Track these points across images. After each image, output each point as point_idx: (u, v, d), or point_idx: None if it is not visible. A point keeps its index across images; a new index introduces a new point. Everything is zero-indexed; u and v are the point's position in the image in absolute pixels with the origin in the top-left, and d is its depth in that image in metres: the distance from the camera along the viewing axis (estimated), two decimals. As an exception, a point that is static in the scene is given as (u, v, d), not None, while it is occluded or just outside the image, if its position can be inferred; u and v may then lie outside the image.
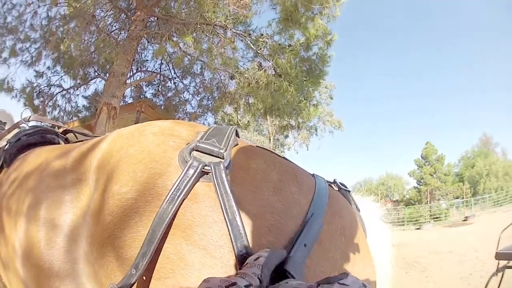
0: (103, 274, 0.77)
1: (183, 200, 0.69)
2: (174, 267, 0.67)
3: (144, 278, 0.70)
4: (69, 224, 0.89)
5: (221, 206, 0.67)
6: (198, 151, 0.75)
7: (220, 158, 0.74)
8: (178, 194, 0.68)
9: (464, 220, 18.49)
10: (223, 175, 0.70)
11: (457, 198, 28.62)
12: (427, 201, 27.15)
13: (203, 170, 0.71)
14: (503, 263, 3.63)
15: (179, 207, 0.68)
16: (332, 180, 1.00)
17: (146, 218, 0.71)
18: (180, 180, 0.70)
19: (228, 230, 0.65)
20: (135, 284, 0.70)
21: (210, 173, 0.71)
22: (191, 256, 0.66)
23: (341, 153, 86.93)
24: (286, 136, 18.10)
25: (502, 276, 3.65)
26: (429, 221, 19.35)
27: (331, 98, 19.13)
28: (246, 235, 0.65)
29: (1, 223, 1.12)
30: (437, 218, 20.46)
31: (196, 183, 0.71)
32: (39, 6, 9.51)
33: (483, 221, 16.55)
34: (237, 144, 0.83)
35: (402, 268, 7.45)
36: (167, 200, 0.68)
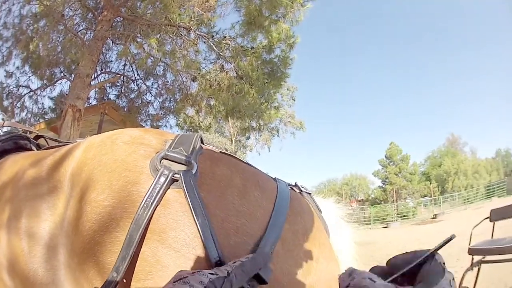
0: (84, 279, 0.80)
1: (157, 206, 0.74)
2: (152, 269, 0.71)
3: (124, 280, 0.73)
4: (48, 232, 0.91)
5: (191, 210, 0.72)
6: (167, 159, 0.81)
7: (188, 166, 0.80)
8: (151, 201, 0.73)
9: (433, 218, 18.73)
10: (192, 182, 0.76)
11: (425, 196, 28.87)
12: (393, 200, 27.37)
13: (173, 178, 0.77)
14: (477, 258, 3.71)
15: (153, 213, 0.73)
16: (293, 183, 1.05)
17: (123, 223, 0.75)
18: (153, 188, 0.75)
19: (199, 232, 0.70)
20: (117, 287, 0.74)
21: (180, 181, 0.76)
22: (167, 258, 0.71)
23: (304, 154, 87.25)
24: (248, 138, 18.09)
25: (478, 271, 3.75)
26: (396, 220, 19.52)
27: (293, 99, 19.39)
28: (216, 237, 0.70)
29: None
30: (404, 216, 20.68)
31: (167, 190, 0.76)
32: (13, 4, 9.34)
33: (453, 218, 16.73)
34: (202, 152, 0.88)
35: (370, 266, 7.55)
36: (142, 207, 0.73)
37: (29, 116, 10.52)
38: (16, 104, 10.30)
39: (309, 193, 1.04)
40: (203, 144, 0.95)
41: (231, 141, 19.13)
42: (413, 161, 35.93)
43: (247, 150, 19.93)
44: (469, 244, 3.81)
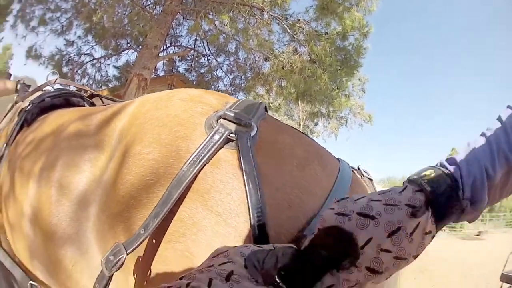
0: (111, 234, 0.76)
1: (205, 165, 0.68)
2: (186, 231, 0.65)
3: (154, 241, 0.69)
4: (84, 183, 0.88)
5: (243, 174, 0.65)
6: (225, 119, 0.74)
7: (247, 127, 0.73)
8: (200, 158, 0.67)
9: (477, 235, 18.43)
10: (248, 144, 0.69)
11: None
12: (446, 209, 27.15)
13: (228, 137, 0.70)
14: (506, 286, 3.60)
15: (199, 171, 0.67)
16: (356, 167, 0.98)
17: (165, 180, 0.70)
18: (204, 145, 0.69)
19: (247, 199, 0.63)
20: (144, 247, 0.69)
21: (235, 141, 0.70)
22: (205, 221, 0.64)
23: (368, 148, 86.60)
24: (316, 124, 17.83)
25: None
26: (444, 230, 19.08)
27: (363, 91, 18.82)
28: (265, 207, 0.63)
29: (12, 183, 1.11)
30: (452, 228, 20.36)
31: (220, 149, 0.70)
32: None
33: (494, 239, 16.39)
34: (266, 118, 0.81)
35: (412, 272, 7.38)
36: (188, 163, 0.67)
37: (91, 82, 10.81)
38: (77, 71, 10.57)
39: (371, 179, 0.98)
40: (267, 112, 0.87)
41: (299, 125, 18.89)
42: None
43: (314, 136, 19.53)
44: (503, 269, 3.69)
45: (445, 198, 0.54)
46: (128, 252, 0.67)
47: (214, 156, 0.69)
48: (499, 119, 0.62)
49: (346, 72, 8.39)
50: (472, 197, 0.55)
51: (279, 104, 10.89)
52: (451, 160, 0.60)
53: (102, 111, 1.04)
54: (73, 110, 1.26)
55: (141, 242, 0.66)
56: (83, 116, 1.08)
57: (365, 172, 0.98)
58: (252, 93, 10.09)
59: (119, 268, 0.69)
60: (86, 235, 0.85)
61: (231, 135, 0.70)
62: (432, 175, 0.57)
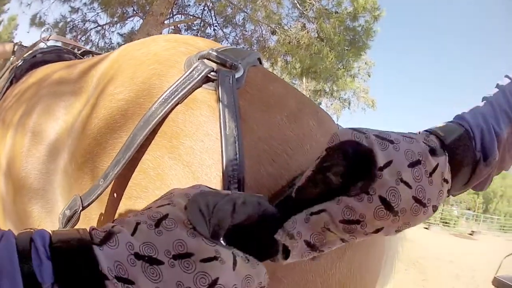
0: (76, 188, 0.68)
1: (177, 104, 0.58)
2: (149, 184, 0.56)
3: (115, 195, 0.60)
4: (56, 131, 0.81)
5: (220, 118, 0.55)
6: (209, 59, 0.63)
7: (232, 68, 0.63)
8: (172, 96, 0.57)
9: (470, 234, 18.62)
10: (231, 84, 0.59)
11: (469, 209, 28.80)
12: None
13: (208, 75, 0.60)
14: None
15: (170, 111, 0.57)
16: None
17: (132, 122, 0.60)
18: (179, 82, 0.58)
19: (221, 147, 0.53)
20: (106, 202, 0.61)
21: (216, 80, 0.60)
22: (171, 173, 0.54)
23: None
24: (319, 103, 17.96)
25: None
26: (438, 224, 19.56)
27: (369, 75, 18.44)
28: (243, 159, 0.52)
29: None
30: (446, 223, 20.67)
31: (197, 88, 0.59)
32: None
33: (487, 241, 16.55)
34: (257, 65, 0.71)
35: (403, 264, 7.43)
36: (159, 102, 0.57)
37: (94, 49, 10.69)
38: (80, 37, 10.49)
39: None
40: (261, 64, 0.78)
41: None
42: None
43: None
44: (496, 273, 3.67)
45: (459, 144, 0.49)
46: (84, 205, 0.60)
47: (189, 95, 0.59)
48: (498, 86, 0.59)
49: (353, 53, 8.34)
50: (483, 149, 0.50)
51: (283, 79, 10.89)
52: (457, 116, 0.55)
53: (87, 61, 0.99)
54: (58, 63, 1.20)
55: (99, 195, 0.58)
56: (67, 66, 1.04)
57: None
58: (256, 66, 10.09)
59: (74, 224, 0.62)
60: (53, 190, 0.78)
61: (211, 73, 0.60)
62: (443, 125, 0.52)
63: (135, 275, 0.33)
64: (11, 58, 1.86)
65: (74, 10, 10.34)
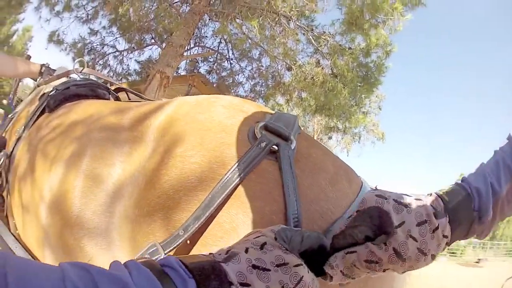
0: (140, 231, 0.77)
1: (249, 173, 0.70)
2: (224, 235, 0.67)
3: (188, 242, 0.70)
4: (113, 177, 0.88)
5: (283, 185, 0.69)
6: (267, 130, 0.77)
7: (287, 140, 0.76)
8: (245, 166, 0.70)
9: (477, 262, 18.37)
10: (289, 156, 0.73)
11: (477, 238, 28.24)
12: (449, 233, 26.84)
13: (271, 148, 0.74)
14: None
15: (243, 179, 0.69)
16: (374, 187, 1.04)
17: (207, 184, 0.72)
18: (249, 154, 0.72)
19: (285, 209, 0.67)
20: (179, 248, 0.70)
21: (277, 152, 0.73)
22: (244, 227, 0.67)
23: (378, 165, 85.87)
24: (330, 138, 17.82)
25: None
26: (445, 254, 18.94)
27: (380, 108, 18.71)
28: (301, 217, 0.67)
29: (32, 166, 1.11)
30: (453, 253, 20.31)
31: (263, 159, 0.73)
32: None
33: (493, 267, 16.28)
34: (300, 132, 0.85)
35: None
36: (233, 170, 0.70)
37: (112, 74, 10.90)
38: (98, 61, 10.66)
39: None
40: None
41: (313, 137, 18.89)
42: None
43: None
44: None
45: (459, 208, 0.60)
46: (166, 252, 0.68)
47: (257, 165, 0.71)
48: (509, 137, 0.67)
49: (366, 89, 8.42)
50: (479, 209, 0.61)
51: (297, 115, 10.90)
52: (463, 177, 0.66)
53: (135, 107, 1.03)
54: (102, 102, 1.25)
55: (180, 243, 0.68)
56: (114, 109, 1.07)
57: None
58: (271, 101, 10.13)
59: None
60: (109, 230, 0.85)
61: (273, 146, 0.73)
62: (449, 188, 0.64)
63: (252, 280, 0.48)
64: (38, 80, 1.87)
65: (93, 33, 10.55)
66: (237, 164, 0.70)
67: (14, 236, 1.18)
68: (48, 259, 1.00)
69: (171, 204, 0.73)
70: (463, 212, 0.60)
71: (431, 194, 0.63)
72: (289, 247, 0.55)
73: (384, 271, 0.59)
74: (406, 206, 0.58)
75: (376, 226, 0.58)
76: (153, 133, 0.89)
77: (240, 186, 0.70)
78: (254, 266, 0.50)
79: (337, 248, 0.61)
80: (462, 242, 23.41)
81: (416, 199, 0.60)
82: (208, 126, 0.81)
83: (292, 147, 0.76)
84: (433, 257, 0.58)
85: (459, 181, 0.65)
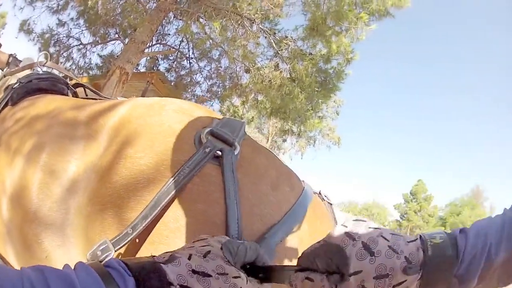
0: (92, 228, 0.80)
1: (193, 176, 0.74)
2: (170, 234, 0.71)
3: (137, 240, 0.74)
4: (69, 173, 0.90)
5: (224, 189, 0.73)
6: (213, 136, 0.81)
7: (231, 146, 0.81)
8: (190, 169, 0.74)
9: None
10: (232, 161, 0.77)
11: None
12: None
13: (215, 153, 0.78)
14: None
15: (188, 182, 0.74)
16: (318, 191, 1.07)
17: (154, 185, 0.75)
18: (194, 158, 0.76)
19: (226, 211, 0.71)
20: (127, 246, 0.74)
21: (220, 158, 0.78)
22: (188, 228, 0.71)
23: (333, 169, 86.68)
24: (284, 141, 18.03)
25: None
26: None
27: (337, 113, 19.09)
28: (241, 220, 0.71)
29: None
30: None
31: (206, 163, 0.77)
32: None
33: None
34: (245, 138, 0.89)
35: None
36: (178, 173, 0.74)
37: (74, 67, 10.78)
38: (62, 53, 10.56)
39: (331, 204, 1.07)
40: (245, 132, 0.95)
41: (267, 139, 19.04)
42: (435, 204, 35.65)
43: (281, 153, 19.86)
44: None
45: (438, 269, 0.53)
46: (116, 249, 0.71)
47: (201, 169, 0.75)
48: None
49: (323, 94, 8.55)
50: (463, 276, 0.53)
51: (252, 117, 11.00)
52: (464, 229, 0.57)
53: (91, 105, 1.06)
54: (63, 98, 1.29)
55: (128, 241, 0.71)
56: (73, 106, 1.10)
57: (325, 196, 1.07)
58: (227, 102, 10.20)
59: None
60: (64, 226, 0.87)
61: (217, 151, 0.78)
62: (440, 241, 0.55)
63: (192, 283, 0.51)
64: (5, 69, 1.93)
65: (61, 24, 10.42)
66: (182, 167, 0.74)
67: None
68: (9, 254, 1.01)
69: (121, 203, 0.77)
70: (441, 274, 0.53)
71: (419, 238, 0.57)
72: (233, 260, 0.60)
73: None
74: (372, 254, 0.54)
75: (334, 265, 0.57)
76: (107, 133, 0.92)
77: (184, 189, 0.74)
78: (194, 271, 0.54)
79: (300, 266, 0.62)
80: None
81: (390, 247, 0.54)
82: (158, 130, 0.85)
83: (236, 153, 0.80)
84: None
85: (459, 231, 0.57)
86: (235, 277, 0.56)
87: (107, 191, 0.79)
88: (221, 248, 0.60)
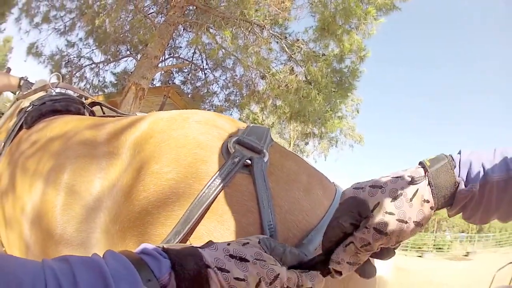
0: (121, 246, 0.78)
1: (224, 187, 0.73)
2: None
3: None
4: (92, 193, 0.89)
5: (257, 198, 0.71)
6: (240, 144, 0.80)
7: (260, 154, 0.79)
8: (219, 181, 0.72)
9: (465, 255, 18.45)
10: (262, 169, 0.75)
11: (463, 232, 28.40)
12: (434, 230, 26.86)
13: (244, 162, 0.76)
14: None
15: (219, 193, 0.72)
16: None
17: (184, 199, 0.73)
18: (223, 169, 0.74)
19: (261, 220, 0.70)
20: None
21: (251, 166, 0.76)
22: (223, 240, 0.68)
23: (358, 167, 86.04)
24: (307, 144, 17.81)
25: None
26: (431, 251, 19.25)
27: (357, 111, 18.73)
28: (276, 227, 0.69)
29: (12, 182, 1.12)
30: (439, 249, 20.38)
31: (237, 173, 0.75)
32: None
33: (483, 259, 16.42)
34: (273, 144, 0.88)
35: None
36: (209, 185, 0.72)
37: (88, 87, 10.91)
38: (75, 73, 10.65)
39: None
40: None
41: (289, 144, 18.99)
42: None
43: (304, 156, 19.53)
44: (489, 286, 3.93)
45: (441, 171, 0.61)
46: None
47: (232, 180, 0.74)
48: None
49: (340, 94, 8.49)
50: (467, 179, 0.61)
51: (272, 122, 10.98)
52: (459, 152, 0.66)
53: (111, 123, 1.05)
54: (79, 118, 1.28)
55: None
56: (90, 125, 1.09)
57: None
58: (246, 110, 10.21)
59: None
60: (91, 246, 0.86)
61: (247, 160, 0.76)
62: (435, 156, 0.65)
63: (230, 267, 0.52)
64: (17, 93, 1.94)
65: (70, 45, 10.53)
66: (212, 179, 0.72)
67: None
68: None
69: (150, 219, 0.75)
70: (444, 175, 0.61)
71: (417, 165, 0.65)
72: (271, 254, 0.59)
73: (381, 249, 0.62)
74: (381, 187, 0.61)
75: (355, 214, 0.60)
76: (129, 149, 0.90)
77: (216, 201, 0.72)
78: (231, 256, 0.54)
79: (328, 245, 0.64)
80: (448, 237, 23.73)
81: (393, 177, 0.62)
82: (183, 143, 0.83)
83: (265, 160, 0.78)
84: (418, 224, 0.59)
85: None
86: (273, 264, 0.57)
87: (134, 208, 0.78)
88: (259, 242, 0.60)
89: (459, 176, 0.61)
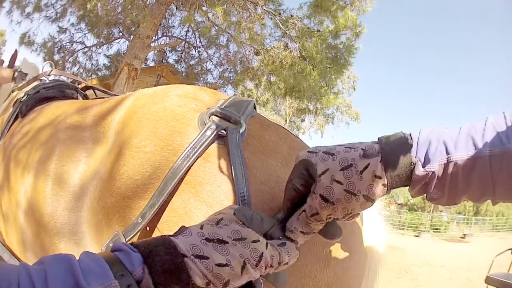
0: (106, 224, 0.80)
1: (197, 158, 0.72)
2: (179, 220, 0.69)
3: (148, 228, 0.73)
4: (80, 173, 0.91)
5: (231, 168, 0.71)
6: (217, 116, 0.79)
7: (236, 124, 0.78)
8: (193, 152, 0.72)
9: (462, 237, 18.61)
10: (237, 140, 0.74)
11: (459, 213, 28.60)
12: (430, 210, 27.02)
13: (219, 133, 0.75)
14: None
15: (192, 164, 0.71)
16: None
17: (160, 171, 0.74)
18: (197, 140, 0.73)
19: (234, 191, 0.69)
20: (138, 235, 0.72)
21: (226, 137, 0.75)
22: (197, 211, 0.69)
23: None
24: (303, 120, 17.83)
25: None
26: (428, 231, 19.34)
27: (354, 89, 18.54)
28: (250, 199, 0.68)
29: (7, 174, 1.13)
30: (436, 229, 20.48)
31: (211, 144, 0.74)
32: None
33: (479, 242, 16.58)
34: (254, 115, 0.86)
35: (394, 272, 7.42)
36: (183, 157, 0.71)
37: (82, 71, 10.86)
38: (68, 59, 10.60)
39: None
40: (255, 110, 0.93)
41: (285, 120, 18.87)
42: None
43: (300, 132, 19.65)
44: (488, 272, 3.85)
45: (394, 148, 0.59)
46: (127, 239, 0.70)
47: (205, 150, 0.73)
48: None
49: (336, 70, 8.44)
50: (425, 159, 0.57)
51: (267, 99, 10.99)
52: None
53: (98, 104, 1.06)
54: (69, 102, 1.28)
55: (139, 231, 0.70)
56: (79, 108, 1.10)
57: None
58: (240, 87, 10.17)
59: None
60: (79, 225, 0.88)
61: (221, 131, 0.75)
62: (393, 134, 0.63)
63: (209, 252, 0.48)
64: (11, 85, 1.94)
65: (62, 30, 10.41)
66: (185, 150, 0.72)
67: (1, 242, 1.20)
68: (30, 262, 1.02)
69: (130, 194, 0.76)
70: (399, 154, 0.58)
71: (373, 141, 0.63)
72: (249, 226, 0.57)
73: (324, 221, 0.61)
74: (333, 154, 0.60)
75: (306, 176, 0.61)
76: (114, 128, 0.92)
77: (190, 172, 0.72)
78: (208, 240, 0.50)
79: (288, 205, 0.65)
80: (445, 217, 23.96)
81: (348, 147, 0.61)
82: (160, 116, 0.83)
83: (241, 131, 0.77)
84: (368, 198, 0.58)
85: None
86: (254, 241, 0.54)
87: (116, 183, 0.79)
88: (234, 214, 0.58)
89: (416, 157, 0.58)
